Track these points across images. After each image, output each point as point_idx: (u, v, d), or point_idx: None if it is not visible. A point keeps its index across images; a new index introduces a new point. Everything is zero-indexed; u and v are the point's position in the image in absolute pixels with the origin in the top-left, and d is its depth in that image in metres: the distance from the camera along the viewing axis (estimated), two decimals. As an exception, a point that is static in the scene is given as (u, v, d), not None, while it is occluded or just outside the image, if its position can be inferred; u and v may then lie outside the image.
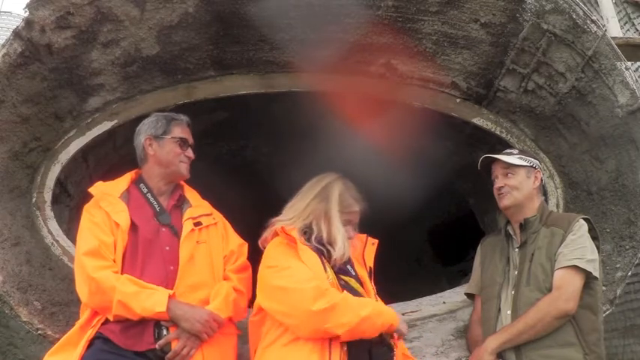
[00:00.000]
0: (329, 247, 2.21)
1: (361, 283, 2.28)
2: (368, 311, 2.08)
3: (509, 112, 2.94)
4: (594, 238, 2.48)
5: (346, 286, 2.21)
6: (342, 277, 2.24)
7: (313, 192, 2.32)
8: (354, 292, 2.20)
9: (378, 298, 2.32)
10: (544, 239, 2.47)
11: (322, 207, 2.27)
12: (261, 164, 4.03)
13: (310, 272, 2.11)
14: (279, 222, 2.28)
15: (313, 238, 2.23)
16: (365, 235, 2.46)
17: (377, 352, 2.14)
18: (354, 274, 2.28)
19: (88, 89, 2.70)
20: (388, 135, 3.21)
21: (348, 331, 2.04)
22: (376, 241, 2.47)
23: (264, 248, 2.29)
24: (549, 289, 2.38)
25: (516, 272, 2.50)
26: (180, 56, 2.71)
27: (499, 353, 2.41)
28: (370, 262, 2.41)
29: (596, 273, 2.40)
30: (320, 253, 2.20)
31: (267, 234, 2.30)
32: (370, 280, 2.35)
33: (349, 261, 2.31)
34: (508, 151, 2.66)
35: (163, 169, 2.44)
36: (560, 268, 2.38)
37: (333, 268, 2.22)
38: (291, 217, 2.29)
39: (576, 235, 2.43)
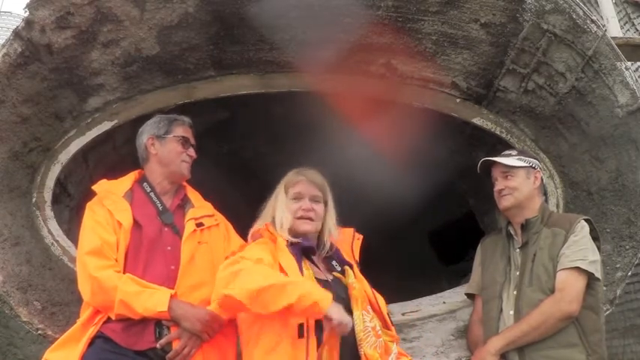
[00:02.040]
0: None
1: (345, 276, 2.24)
2: (280, 281, 1.95)
3: (509, 112, 2.94)
4: (595, 238, 2.49)
5: (335, 284, 2.18)
6: (334, 274, 2.23)
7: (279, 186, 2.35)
8: (342, 288, 2.17)
9: (376, 292, 2.28)
10: (546, 240, 2.47)
11: (274, 195, 2.32)
12: (261, 164, 4.03)
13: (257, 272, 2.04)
14: (259, 222, 2.30)
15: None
16: (352, 229, 2.45)
17: None
18: (339, 269, 2.26)
19: (88, 89, 2.70)
20: (388, 135, 3.21)
21: (249, 295, 1.93)
22: (361, 237, 2.44)
23: None
24: (552, 290, 2.38)
25: (518, 273, 2.50)
26: (180, 56, 2.71)
27: (502, 354, 2.41)
28: (356, 256, 2.39)
29: (598, 274, 2.41)
30: (298, 254, 2.17)
31: (249, 238, 2.31)
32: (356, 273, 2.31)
33: (337, 255, 2.30)
34: (507, 152, 2.66)
35: (165, 168, 2.44)
36: (563, 269, 2.39)
37: (315, 264, 2.21)
38: (263, 214, 2.32)
39: (578, 237, 2.44)
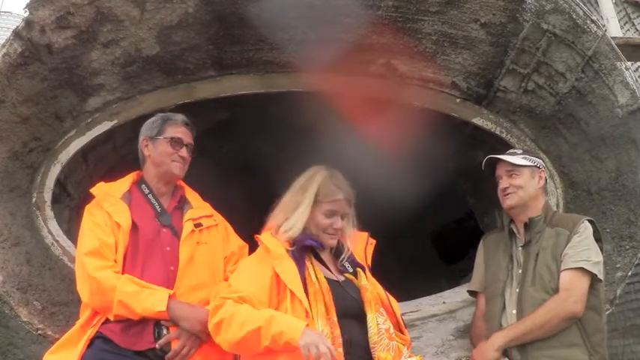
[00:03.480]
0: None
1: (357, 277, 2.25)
2: (249, 328, 1.96)
3: (509, 112, 2.94)
4: (597, 239, 2.49)
5: (347, 285, 2.19)
6: (346, 275, 2.23)
7: (297, 185, 2.31)
8: (354, 289, 2.18)
9: (389, 295, 2.29)
10: (549, 239, 2.47)
11: (299, 198, 2.26)
12: (261, 164, 4.04)
13: (240, 287, 2.08)
14: (271, 218, 2.29)
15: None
16: (366, 233, 2.44)
17: None
18: (351, 271, 2.26)
19: (88, 89, 2.70)
20: (388, 135, 3.20)
21: (232, 347, 2.04)
22: (374, 242, 2.45)
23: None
24: (555, 290, 2.38)
25: (520, 271, 2.50)
26: (180, 56, 2.71)
27: (504, 351, 2.41)
28: (369, 261, 2.39)
29: (601, 275, 2.42)
30: (300, 257, 2.16)
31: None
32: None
33: (349, 257, 2.29)
34: (512, 151, 2.66)
35: (157, 169, 2.44)
36: (567, 269, 2.39)
37: (326, 265, 2.21)
38: (276, 214, 2.29)
39: (582, 237, 2.44)
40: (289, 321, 1.97)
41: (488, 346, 2.42)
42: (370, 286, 2.22)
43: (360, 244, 2.39)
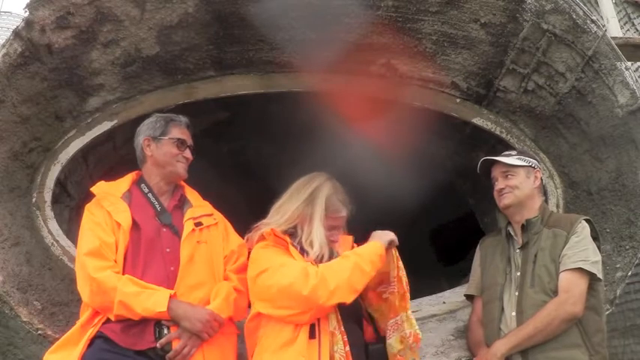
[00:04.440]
0: (307, 248, 2.23)
1: None
2: (349, 267, 2.10)
3: (509, 112, 2.94)
4: (595, 238, 2.49)
5: None
6: None
7: (302, 195, 2.32)
8: None
9: None
10: (547, 241, 2.47)
11: (308, 210, 2.28)
12: (261, 164, 4.04)
13: (299, 264, 2.14)
14: (265, 225, 2.29)
15: (297, 240, 2.26)
16: (351, 237, 2.48)
17: (373, 348, 2.20)
18: None
19: (88, 89, 2.70)
20: (388, 135, 3.21)
21: (343, 295, 2.06)
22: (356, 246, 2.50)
23: (249, 250, 2.32)
24: (554, 291, 2.38)
25: (519, 273, 2.50)
26: (180, 56, 2.71)
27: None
28: None
29: (600, 274, 2.42)
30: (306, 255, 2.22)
31: (252, 235, 2.31)
32: None
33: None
34: (507, 152, 2.67)
35: (161, 169, 2.44)
36: (566, 270, 2.39)
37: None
38: (277, 219, 2.30)
39: (580, 237, 2.44)
40: (366, 246, 2.22)
41: (490, 355, 2.41)
42: None
43: (346, 248, 2.42)
